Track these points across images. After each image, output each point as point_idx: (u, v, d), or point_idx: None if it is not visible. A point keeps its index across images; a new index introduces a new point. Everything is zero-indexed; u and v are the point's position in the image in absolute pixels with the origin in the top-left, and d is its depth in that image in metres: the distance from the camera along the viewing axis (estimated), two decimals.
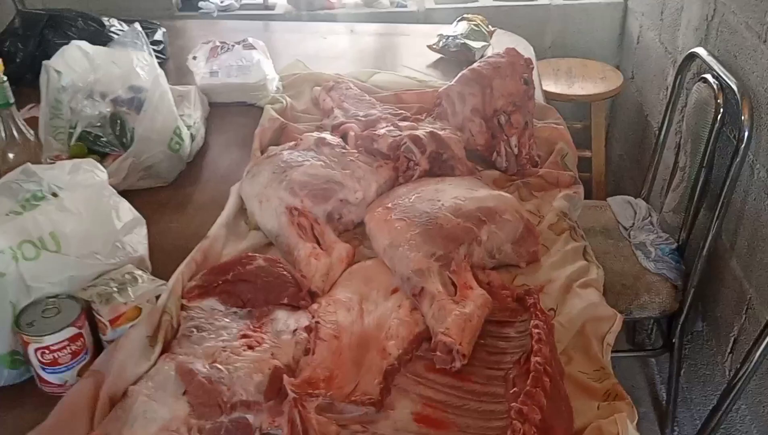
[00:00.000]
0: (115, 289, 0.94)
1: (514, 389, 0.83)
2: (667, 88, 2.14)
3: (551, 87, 2.36)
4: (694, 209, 1.70)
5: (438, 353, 0.90)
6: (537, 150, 1.43)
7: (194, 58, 1.72)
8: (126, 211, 1.07)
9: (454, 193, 1.16)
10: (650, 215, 1.90)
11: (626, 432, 0.80)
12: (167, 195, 1.38)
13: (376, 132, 1.35)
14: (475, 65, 1.49)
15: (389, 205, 1.17)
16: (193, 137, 1.48)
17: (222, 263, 1.07)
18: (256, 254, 1.07)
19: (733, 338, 1.60)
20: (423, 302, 0.98)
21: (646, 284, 1.70)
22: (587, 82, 2.42)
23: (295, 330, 0.91)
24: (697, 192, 1.68)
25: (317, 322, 0.94)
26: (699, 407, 1.81)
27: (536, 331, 0.87)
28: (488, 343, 0.94)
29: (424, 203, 1.13)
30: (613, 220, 1.93)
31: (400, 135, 1.33)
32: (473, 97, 1.43)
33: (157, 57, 1.96)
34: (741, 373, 1.26)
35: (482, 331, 0.95)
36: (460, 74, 1.49)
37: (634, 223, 1.88)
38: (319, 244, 1.15)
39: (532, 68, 1.51)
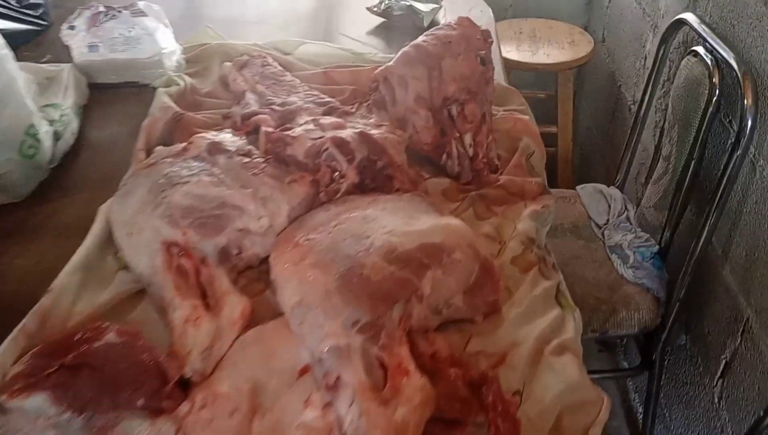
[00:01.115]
0: None
1: None
2: (645, 57, 1.86)
3: (513, 54, 2.06)
4: (679, 206, 1.44)
5: None
6: (497, 149, 1.15)
7: (71, 27, 1.36)
8: None
9: (387, 225, 0.86)
10: (626, 209, 1.64)
11: None
12: (18, 216, 1.05)
13: (291, 133, 1.04)
14: (419, 40, 1.18)
15: (302, 241, 0.87)
16: (58, 135, 1.15)
17: (60, 338, 0.76)
18: (108, 324, 0.76)
19: (724, 361, 1.37)
20: (339, 399, 0.69)
21: (624, 297, 1.44)
22: (553, 48, 2.13)
23: None
24: (684, 187, 1.42)
25: None
26: (680, 428, 1.59)
27: None
28: None
29: (347, 240, 0.84)
30: (583, 215, 1.67)
31: (322, 136, 1.02)
32: (417, 82, 1.13)
33: (35, 24, 1.60)
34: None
35: None
36: (401, 52, 1.18)
37: (608, 220, 1.63)
38: (206, 295, 0.85)
39: (491, 42, 1.21)
